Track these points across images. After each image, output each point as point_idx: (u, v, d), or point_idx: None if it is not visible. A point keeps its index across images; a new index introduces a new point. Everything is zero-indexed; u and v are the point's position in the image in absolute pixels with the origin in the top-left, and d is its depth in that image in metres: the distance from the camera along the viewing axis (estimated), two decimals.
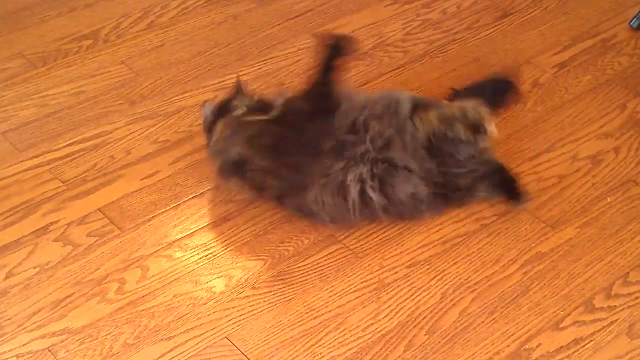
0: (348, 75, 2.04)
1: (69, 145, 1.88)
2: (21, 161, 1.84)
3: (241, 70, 2.08)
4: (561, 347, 1.54)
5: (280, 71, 2.10)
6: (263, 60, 2.12)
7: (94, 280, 1.62)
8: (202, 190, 1.79)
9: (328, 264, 1.67)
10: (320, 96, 1.72)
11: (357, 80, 2.06)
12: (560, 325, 1.57)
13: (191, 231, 1.71)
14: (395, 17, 2.28)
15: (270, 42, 2.18)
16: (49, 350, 1.50)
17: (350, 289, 1.62)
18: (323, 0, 2.31)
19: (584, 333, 1.56)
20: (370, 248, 1.70)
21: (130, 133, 1.91)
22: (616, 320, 1.59)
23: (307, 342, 1.53)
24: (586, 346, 1.54)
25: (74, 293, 1.59)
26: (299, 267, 1.66)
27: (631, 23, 2.26)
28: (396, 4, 2.32)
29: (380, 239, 1.72)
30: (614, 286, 1.65)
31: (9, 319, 1.54)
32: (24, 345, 1.51)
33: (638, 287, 1.65)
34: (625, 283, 1.66)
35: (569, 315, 1.59)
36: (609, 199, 1.82)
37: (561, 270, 1.68)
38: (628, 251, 1.72)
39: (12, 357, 1.49)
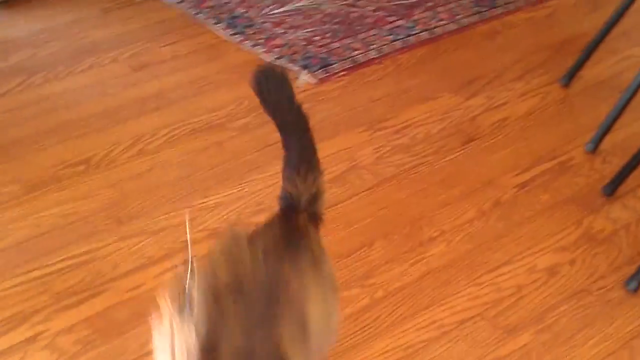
0: None
1: (60, 261, 1.95)
2: (15, 276, 1.91)
3: (224, 191, 2.19)
4: None
5: (259, 192, 2.19)
6: (243, 183, 2.22)
7: None
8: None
9: None
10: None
11: (328, 201, 2.17)
12: None
13: None
14: (368, 142, 2.40)
15: (250, 167, 2.27)
16: None
17: None
18: None
19: None
20: (337, 354, 1.77)
21: (118, 250, 1.99)
22: None
23: None
24: None
25: None
26: None
27: (587, 146, 2.40)
28: (369, 130, 2.45)
29: (348, 345, 1.80)
30: None
31: None
32: None
33: None
34: None
35: None
36: (562, 308, 1.91)
37: None
38: (580, 355, 1.80)
39: None
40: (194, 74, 2.64)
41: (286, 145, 1.56)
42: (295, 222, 1.49)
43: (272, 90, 1.51)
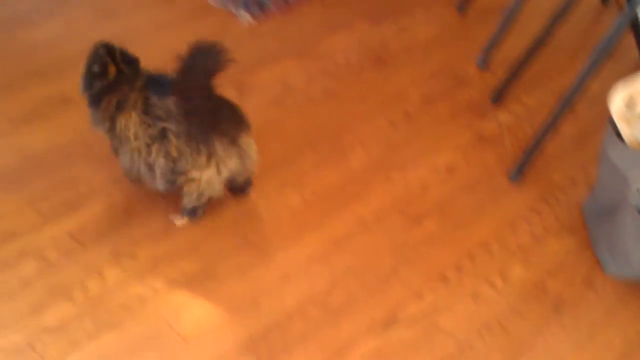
0: (260, 116, 2.13)
1: (45, 184, 1.88)
2: (5, 198, 1.83)
3: None
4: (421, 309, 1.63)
5: None
6: None
7: (63, 286, 1.63)
8: (149, 212, 1.83)
9: (245, 261, 1.74)
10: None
11: (265, 118, 2.13)
12: (421, 295, 1.67)
13: (138, 244, 1.74)
14: (298, 68, 2.34)
15: None
16: (29, 345, 1.52)
17: (262, 281, 1.70)
18: (242, 60, 2.34)
19: (439, 298, 1.66)
20: (273, 247, 1.76)
21: (92, 173, 1.94)
22: (463, 288, 1.69)
23: (232, 320, 1.59)
24: (440, 309, 1.64)
25: (47, 298, 1.61)
26: (221, 266, 1.71)
27: (478, 63, 2.36)
28: (299, 58, 2.38)
29: (282, 239, 1.79)
30: (461, 260, 1.75)
31: None
32: (8, 342, 1.53)
33: (479, 260, 1.75)
34: (470, 258, 1.76)
35: (427, 286, 1.69)
36: (459, 197, 1.92)
37: (422, 253, 1.77)
38: (474, 234, 1.81)
39: None
40: (151, 17, 2.53)
41: None
42: None
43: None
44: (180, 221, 1.80)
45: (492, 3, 2.66)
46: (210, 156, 1.68)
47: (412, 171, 1.98)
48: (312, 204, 1.88)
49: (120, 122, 1.74)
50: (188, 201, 1.77)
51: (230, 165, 1.71)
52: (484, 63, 2.34)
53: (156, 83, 1.73)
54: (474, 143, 2.07)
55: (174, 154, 1.68)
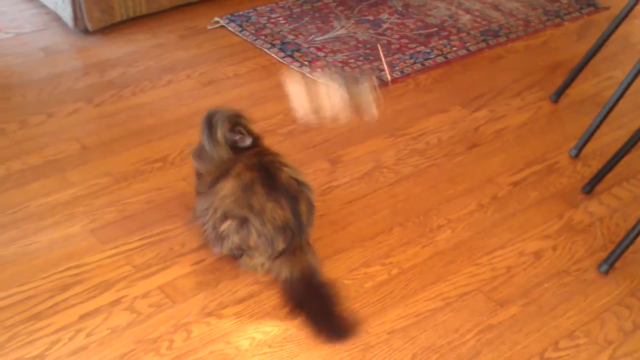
0: (350, 191, 2.18)
1: (140, 239, 1.97)
2: (103, 251, 1.93)
3: None
4: None
5: None
6: None
7: (150, 339, 1.70)
8: (236, 274, 1.89)
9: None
10: None
11: (355, 193, 2.18)
12: None
13: (226, 304, 1.80)
14: (390, 146, 2.39)
15: (295, 165, 2.27)
16: None
17: (342, 349, 1.71)
18: (336, 133, 2.42)
19: None
20: (359, 319, 1.78)
21: (186, 231, 2.00)
22: None
23: None
24: None
25: (135, 349, 1.68)
26: (303, 332, 1.74)
27: (571, 152, 2.36)
28: (392, 137, 2.44)
29: (368, 312, 1.80)
30: (546, 351, 1.72)
31: None
32: None
33: (565, 352, 1.72)
34: (555, 349, 1.73)
35: None
36: (546, 285, 1.90)
37: (506, 338, 1.75)
38: (559, 325, 1.79)
39: None
40: (251, 89, 2.64)
41: None
42: None
43: None
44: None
45: (584, 93, 2.67)
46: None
47: (499, 255, 1.98)
48: (397, 279, 1.89)
49: (221, 181, 1.83)
50: (235, 258, 1.90)
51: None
52: (577, 153, 2.34)
53: (269, 177, 1.83)
54: (563, 232, 2.06)
55: (252, 244, 1.80)
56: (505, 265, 1.95)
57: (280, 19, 3.08)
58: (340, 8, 3.18)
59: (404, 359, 1.69)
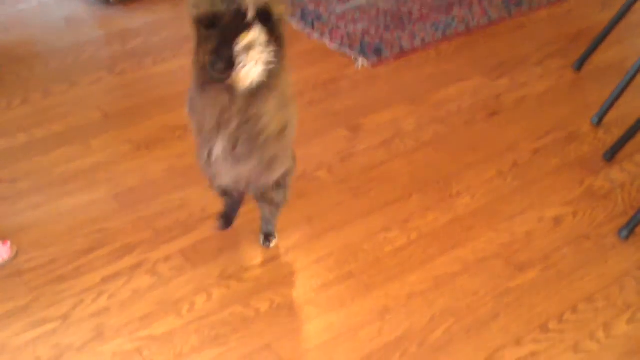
0: (370, 157, 2.19)
1: (161, 204, 1.99)
2: (125, 216, 1.96)
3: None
4: (519, 357, 1.62)
5: (322, 153, 2.20)
6: (308, 145, 2.23)
7: (172, 301, 1.73)
8: (256, 238, 1.91)
9: (347, 293, 1.77)
10: None
11: (375, 160, 2.19)
12: (521, 343, 1.66)
13: (246, 268, 1.82)
14: (411, 114, 2.38)
15: (315, 133, 2.28)
16: (137, 351, 1.62)
17: (361, 312, 1.73)
18: (356, 102, 2.43)
19: (539, 348, 1.65)
20: (377, 282, 1.79)
21: (205, 196, 2.01)
22: (564, 340, 1.67)
23: (329, 348, 1.64)
24: (540, 358, 1.62)
25: (156, 310, 1.71)
26: (322, 296, 1.77)
27: (592, 120, 2.35)
28: (412, 105, 2.43)
29: (388, 276, 1.82)
30: (565, 314, 1.73)
31: (110, 327, 1.68)
32: (119, 346, 1.63)
33: (584, 315, 1.73)
34: (574, 312, 1.73)
35: (528, 334, 1.68)
36: (565, 250, 1.90)
37: (524, 301, 1.76)
38: (578, 289, 1.79)
39: (109, 355, 1.61)
40: None
41: None
42: None
43: None
44: (273, 242, 1.88)
45: (607, 61, 2.65)
46: None
47: (518, 221, 1.98)
48: (416, 244, 1.90)
49: None
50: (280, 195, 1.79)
51: None
52: (599, 120, 2.32)
53: None
54: (584, 198, 2.05)
55: None
56: (524, 231, 1.95)
57: None
58: None
59: (422, 321, 1.70)
